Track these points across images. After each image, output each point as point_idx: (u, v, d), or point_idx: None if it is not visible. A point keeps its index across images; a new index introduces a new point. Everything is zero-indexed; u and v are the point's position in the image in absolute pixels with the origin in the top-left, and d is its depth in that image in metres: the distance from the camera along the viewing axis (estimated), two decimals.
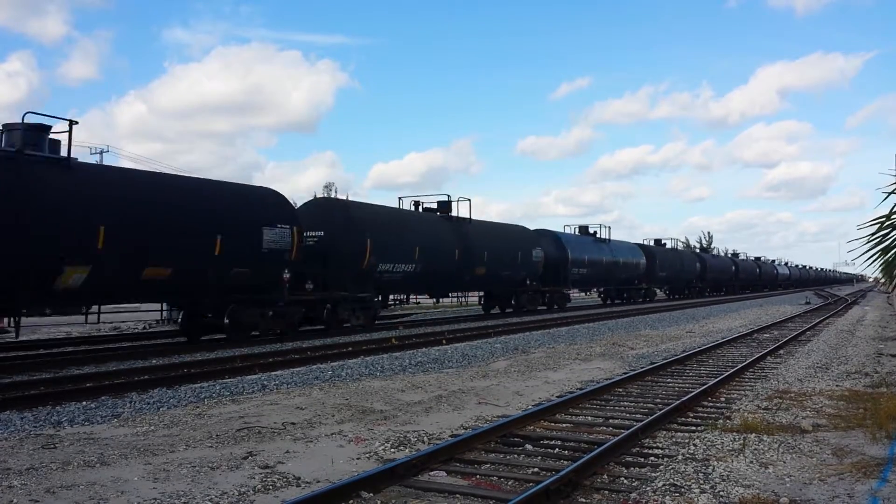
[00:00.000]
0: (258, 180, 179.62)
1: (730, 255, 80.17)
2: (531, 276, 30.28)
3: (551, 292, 32.72)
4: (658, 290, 52.63)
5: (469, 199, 26.42)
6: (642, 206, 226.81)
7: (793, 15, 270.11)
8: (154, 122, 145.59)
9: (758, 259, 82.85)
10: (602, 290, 41.63)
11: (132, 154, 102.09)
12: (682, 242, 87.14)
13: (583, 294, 46.92)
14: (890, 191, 9.08)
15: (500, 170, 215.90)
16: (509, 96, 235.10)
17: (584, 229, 38.51)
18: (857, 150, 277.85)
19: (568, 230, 37.41)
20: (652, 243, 49.18)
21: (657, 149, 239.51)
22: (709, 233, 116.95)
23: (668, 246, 51.11)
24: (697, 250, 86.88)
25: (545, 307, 32.24)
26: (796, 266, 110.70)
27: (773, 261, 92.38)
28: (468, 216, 26.26)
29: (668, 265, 47.75)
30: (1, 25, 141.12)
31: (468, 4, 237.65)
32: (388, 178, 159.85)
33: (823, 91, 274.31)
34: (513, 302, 30.56)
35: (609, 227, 39.57)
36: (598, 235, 38.70)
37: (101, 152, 45.81)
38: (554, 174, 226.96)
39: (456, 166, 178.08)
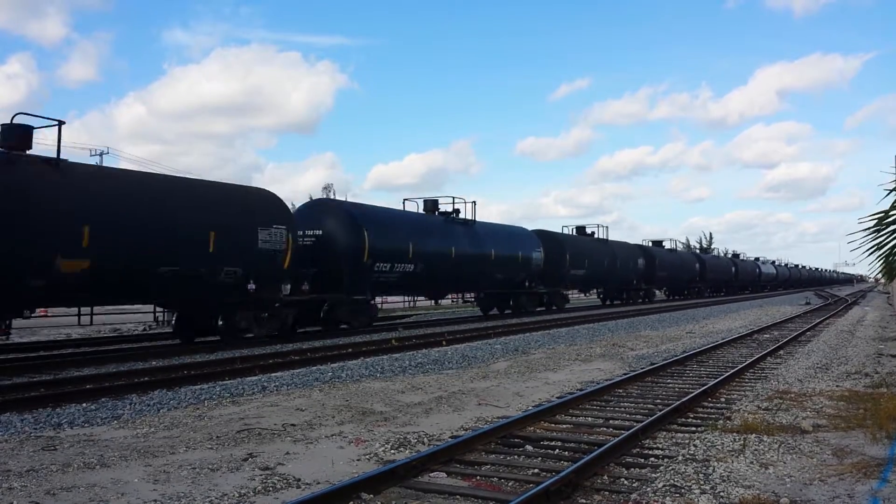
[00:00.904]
0: (258, 181, 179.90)
1: (692, 250, 73.57)
2: (261, 277, 16.59)
3: (337, 302, 19.85)
4: (584, 294, 42.87)
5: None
6: (642, 208, 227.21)
7: (791, 16, 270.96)
8: (153, 123, 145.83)
9: (735, 256, 73.38)
10: (475, 295, 30.60)
11: (131, 156, 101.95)
12: (683, 243, 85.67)
13: (408, 302, 36.97)
14: (891, 188, 9.12)
15: (500, 170, 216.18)
16: (509, 97, 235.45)
17: (431, 205, 25.68)
18: (857, 151, 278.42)
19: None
20: (574, 232, 37.09)
21: (656, 149, 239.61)
22: (709, 233, 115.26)
23: (598, 235, 38.06)
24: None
25: (321, 327, 19.85)
26: (786, 265, 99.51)
27: (757, 258, 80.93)
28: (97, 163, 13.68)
29: (592, 261, 34.85)
30: (0, 27, 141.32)
31: (468, 4, 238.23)
32: (388, 179, 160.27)
33: (822, 92, 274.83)
34: (220, 322, 16.62)
35: (474, 203, 26.22)
36: (457, 216, 25.75)
37: (101, 154, 45.94)
38: (553, 175, 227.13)
39: (455, 167, 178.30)
